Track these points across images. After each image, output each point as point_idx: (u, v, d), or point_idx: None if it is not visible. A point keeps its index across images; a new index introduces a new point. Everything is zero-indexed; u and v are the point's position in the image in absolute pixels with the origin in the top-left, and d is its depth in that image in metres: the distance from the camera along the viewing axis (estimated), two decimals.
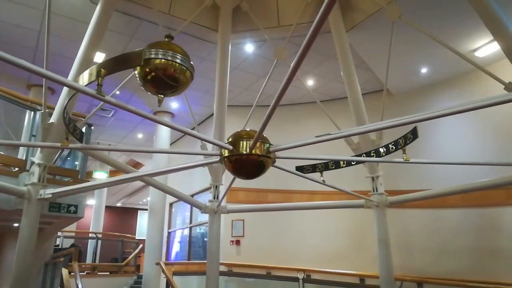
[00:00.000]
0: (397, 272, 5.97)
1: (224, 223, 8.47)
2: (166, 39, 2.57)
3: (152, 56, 2.38)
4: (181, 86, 2.52)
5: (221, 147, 2.87)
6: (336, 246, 8.50)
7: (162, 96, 2.54)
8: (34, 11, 6.28)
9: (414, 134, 3.54)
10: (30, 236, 4.48)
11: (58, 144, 3.64)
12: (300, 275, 8.05)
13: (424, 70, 7.72)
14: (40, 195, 4.58)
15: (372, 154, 4.18)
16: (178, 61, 2.41)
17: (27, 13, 6.34)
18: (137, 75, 2.46)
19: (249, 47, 7.55)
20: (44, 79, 4.18)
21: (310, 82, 8.77)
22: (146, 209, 12.61)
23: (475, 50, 6.88)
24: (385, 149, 3.87)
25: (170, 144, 11.53)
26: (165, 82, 2.44)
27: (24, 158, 5.74)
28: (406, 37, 6.20)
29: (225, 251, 8.39)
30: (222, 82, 6.32)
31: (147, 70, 2.40)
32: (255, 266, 8.55)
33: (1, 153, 5.89)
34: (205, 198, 6.75)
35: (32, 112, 6.17)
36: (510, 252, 6.40)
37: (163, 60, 2.40)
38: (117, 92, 6.42)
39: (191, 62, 2.52)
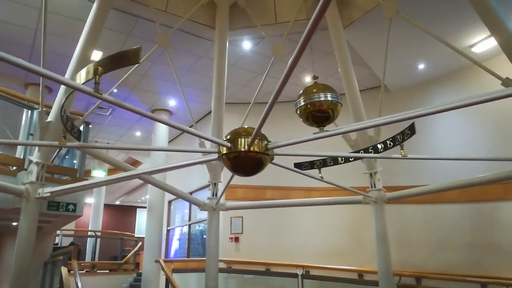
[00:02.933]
0: (395, 267, 6.00)
1: (223, 220, 8.49)
2: (314, 81, 3.21)
3: (310, 101, 2.93)
4: (334, 116, 2.99)
5: (219, 144, 2.88)
6: (335, 242, 8.53)
7: (323, 127, 3.01)
8: (31, 9, 6.25)
9: (411, 130, 3.55)
10: (29, 235, 4.48)
11: (56, 143, 3.63)
12: (299, 271, 8.08)
13: (421, 66, 7.73)
14: (39, 194, 4.58)
15: (370, 150, 4.20)
16: (329, 98, 2.94)
17: (23, 11, 6.31)
18: (299, 113, 3.03)
19: (246, 44, 7.54)
20: (41, 77, 4.17)
21: (307, 79, 8.76)
22: (145, 207, 12.62)
23: (472, 45, 6.89)
24: (383, 145, 3.88)
25: (168, 142, 11.52)
26: (322, 116, 2.96)
27: (22, 157, 5.73)
28: (403, 33, 6.20)
29: (224, 248, 8.41)
30: (220, 80, 6.32)
31: (308, 109, 2.94)
32: (254, 263, 8.57)
33: None
34: (204, 196, 6.77)
35: (30, 111, 6.15)
36: (508, 246, 6.44)
37: (319, 100, 2.93)
38: (115, 90, 6.42)
39: (339, 96, 3.02)
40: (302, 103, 2.98)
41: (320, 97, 2.95)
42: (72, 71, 4.86)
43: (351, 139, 6.04)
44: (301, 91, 3.10)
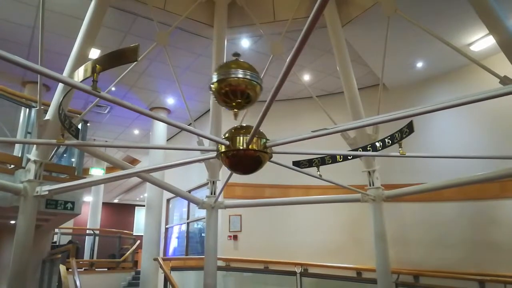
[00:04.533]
0: (393, 265, 6.01)
1: (222, 219, 8.50)
2: (234, 58, 2.87)
3: (225, 76, 2.66)
4: (252, 99, 2.79)
5: (217, 142, 2.88)
6: (333, 240, 8.55)
7: (237, 110, 2.83)
8: (28, 7, 6.22)
9: (410, 128, 3.55)
10: (27, 233, 4.48)
11: (54, 141, 3.62)
12: (298, 269, 8.09)
13: (419, 64, 7.73)
14: (37, 192, 4.58)
15: (368, 148, 4.20)
16: (248, 77, 2.67)
17: (20, 9, 6.29)
18: (212, 90, 2.74)
19: (245, 42, 7.53)
20: (39, 75, 4.16)
21: (306, 77, 8.76)
22: (143, 205, 12.61)
23: (470, 44, 6.90)
24: (381, 143, 3.89)
25: (167, 140, 11.52)
26: (238, 97, 2.72)
27: (20, 155, 5.71)
28: (401, 32, 6.21)
29: (223, 246, 8.42)
30: None
31: (222, 87, 2.68)
32: (252, 261, 8.58)
33: None
34: (202, 194, 6.76)
35: (27, 109, 6.12)
36: (505, 244, 6.47)
37: (235, 78, 2.66)
38: (113, 89, 6.40)
39: (260, 77, 2.77)
40: (215, 79, 2.70)
41: (237, 74, 2.67)
42: (70, 69, 4.85)
43: (349, 137, 6.05)
44: (218, 66, 2.83)
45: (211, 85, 2.74)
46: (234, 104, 2.80)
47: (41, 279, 6.98)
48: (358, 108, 6.04)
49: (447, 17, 6.19)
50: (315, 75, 8.71)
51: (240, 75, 2.67)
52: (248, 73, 2.69)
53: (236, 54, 2.91)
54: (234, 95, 2.71)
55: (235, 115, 2.88)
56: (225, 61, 6.30)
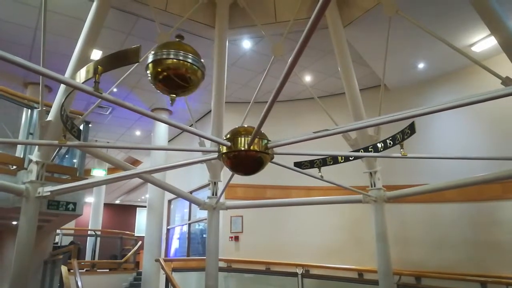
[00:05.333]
0: (395, 266, 6.00)
1: (223, 220, 8.50)
2: (177, 39, 2.61)
3: (164, 56, 2.42)
4: (192, 86, 2.56)
5: (219, 143, 2.88)
6: (335, 241, 8.54)
7: (174, 95, 2.58)
8: (30, 8, 6.24)
9: (411, 129, 3.55)
10: (29, 234, 4.49)
11: (56, 142, 3.63)
12: (299, 270, 8.08)
13: (421, 65, 7.73)
14: (39, 193, 4.59)
15: (370, 149, 4.19)
16: (189, 60, 2.45)
17: (23, 10, 6.31)
18: (148, 75, 2.49)
19: (246, 43, 7.54)
20: (41, 76, 4.17)
21: (307, 78, 8.77)
22: (145, 206, 12.63)
23: (472, 44, 6.89)
24: (382, 144, 3.88)
25: (168, 141, 11.52)
26: (177, 82, 2.47)
27: (22, 156, 5.73)
28: (403, 33, 6.21)
29: (224, 247, 8.41)
30: (220, 79, 6.32)
31: (159, 70, 2.45)
32: (254, 262, 8.58)
33: None
34: (204, 195, 6.77)
35: (29, 110, 6.15)
36: (507, 245, 6.45)
37: (174, 60, 2.43)
38: (115, 90, 6.42)
39: (202, 61, 2.54)
40: (151, 59, 2.46)
41: (178, 56, 2.43)
42: (72, 70, 4.86)
43: (351, 138, 6.04)
44: (156, 45, 2.57)
45: (147, 66, 2.51)
46: (170, 88, 2.56)
47: (42, 280, 7.00)
48: (359, 109, 6.04)
49: (449, 18, 6.18)
50: (317, 76, 8.71)
51: (181, 57, 2.46)
52: (190, 56, 2.47)
53: (179, 36, 2.72)
54: (172, 79, 2.48)
55: (172, 101, 2.64)
56: (226, 62, 6.36)
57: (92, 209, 17.58)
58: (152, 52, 2.48)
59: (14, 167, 5.61)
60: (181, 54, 2.43)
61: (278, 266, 8.43)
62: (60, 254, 6.97)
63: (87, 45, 5.04)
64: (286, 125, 9.16)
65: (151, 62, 2.47)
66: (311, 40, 1.73)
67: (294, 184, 8.89)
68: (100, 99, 2.92)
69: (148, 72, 2.50)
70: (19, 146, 5.93)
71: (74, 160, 7.05)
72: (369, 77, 8.43)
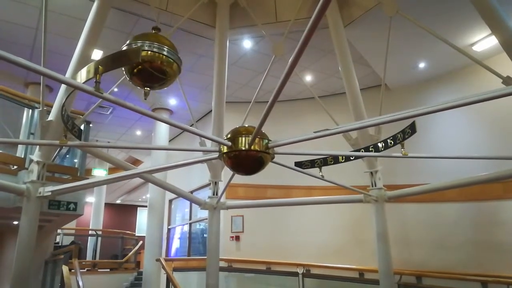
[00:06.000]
0: (396, 266, 6.00)
1: (224, 219, 8.49)
2: (153, 31, 2.56)
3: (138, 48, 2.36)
4: (168, 79, 2.52)
5: (220, 143, 2.88)
6: (335, 241, 8.53)
7: (148, 89, 2.54)
8: (31, 8, 6.25)
9: (412, 129, 3.54)
10: (30, 234, 4.49)
11: (57, 142, 3.63)
12: (300, 270, 8.08)
13: (422, 65, 7.72)
14: (40, 193, 4.59)
15: (370, 149, 4.19)
16: (165, 53, 2.40)
17: (24, 10, 6.31)
18: (123, 68, 2.45)
19: (247, 43, 7.54)
20: (41, 76, 4.17)
21: (308, 78, 8.76)
22: (146, 206, 12.63)
23: (473, 44, 6.88)
24: (383, 144, 3.88)
25: (169, 141, 11.52)
26: (152, 74, 2.42)
27: (22, 156, 5.74)
28: (403, 32, 6.20)
29: (225, 247, 8.41)
30: (220, 79, 6.31)
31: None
32: (254, 262, 8.58)
33: (0, 151, 5.88)
34: (205, 195, 6.77)
35: (30, 110, 6.15)
36: (508, 245, 6.44)
37: (149, 52, 2.38)
38: (115, 89, 6.42)
39: (178, 55, 2.51)
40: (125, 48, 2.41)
41: (153, 48, 2.36)
42: (73, 70, 4.86)
43: (351, 138, 6.04)
44: (133, 37, 2.51)
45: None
46: (144, 80, 2.53)
47: (43, 280, 7.01)
48: (360, 109, 6.04)
49: (449, 17, 6.18)
50: (317, 76, 8.71)
51: (156, 49, 2.42)
52: (165, 49, 2.43)
53: (156, 28, 2.68)
54: (147, 71, 2.45)
55: (146, 95, 2.62)
56: (227, 62, 6.37)
57: (93, 209, 17.59)
58: (127, 43, 2.43)
59: (15, 167, 5.62)
60: (156, 46, 2.37)
61: (279, 266, 8.43)
62: (61, 254, 6.98)
63: (87, 45, 5.04)
64: (287, 125, 9.16)
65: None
66: (311, 40, 1.73)
67: (295, 183, 8.89)
68: (100, 99, 2.92)
69: None
70: (20, 146, 5.93)
71: (75, 160, 7.06)
72: (370, 76, 8.42)
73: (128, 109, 2.64)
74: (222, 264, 7.98)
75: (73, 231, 14.25)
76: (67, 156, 7.21)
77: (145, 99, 2.66)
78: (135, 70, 2.44)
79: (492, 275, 6.27)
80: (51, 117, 4.78)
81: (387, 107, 5.18)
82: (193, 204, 10.54)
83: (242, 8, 6.39)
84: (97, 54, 7.19)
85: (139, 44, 2.37)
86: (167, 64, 2.45)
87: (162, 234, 10.61)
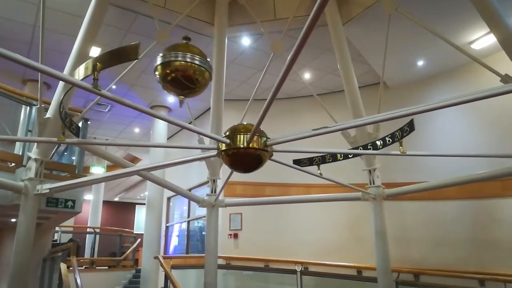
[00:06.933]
0: (394, 264, 6.01)
1: (222, 217, 8.51)
2: (184, 41, 2.67)
3: (172, 58, 2.48)
4: (200, 87, 2.61)
5: (218, 141, 2.88)
6: (334, 238, 8.55)
7: (183, 97, 2.64)
8: (29, 5, 6.22)
9: (410, 127, 3.55)
10: (27, 231, 4.48)
11: (55, 139, 3.63)
12: (298, 268, 8.10)
13: (420, 63, 7.72)
14: (37, 190, 4.58)
15: (369, 147, 4.19)
16: (196, 62, 2.49)
17: (21, 7, 6.28)
18: (157, 76, 2.55)
19: (245, 41, 7.52)
20: (39, 73, 4.15)
21: (307, 76, 8.76)
22: (144, 204, 12.63)
23: (471, 42, 6.89)
24: (382, 142, 3.88)
25: (167, 138, 11.52)
26: (184, 83, 2.54)
27: (20, 154, 5.71)
28: (402, 30, 6.19)
29: (223, 244, 8.42)
30: (219, 76, 6.30)
31: (167, 71, 2.51)
32: (253, 259, 8.59)
33: None
34: (203, 192, 6.76)
35: (28, 107, 6.12)
36: (506, 243, 6.47)
37: (182, 62, 2.48)
38: (113, 87, 6.39)
39: (209, 61, 2.57)
40: (159, 61, 2.53)
41: (185, 58, 2.49)
42: (71, 67, 4.84)
43: (350, 136, 6.04)
44: (164, 48, 2.62)
45: (156, 68, 2.58)
46: (178, 89, 2.63)
47: (41, 277, 7.00)
48: (358, 107, 6.04)
49: (448, 15, 6.18)
50: (316, 74, 8.70)
51: (188, 59, 2.52)
52: (197, 58, 2.54)
53: (186, 38, 2.77)
54: (180, 80, 2.56)
55: (181, 103, 2.72)
56: (225, 59, 6.35)
57: (91, 207, 17.58)
58: (161, 54, 2.51)
59: (13, 164, 5.60)
60: (189, 56, 2.48)
61: (277, 264, 8.45)
62: (59, 252, 6.96)
63: (86, 42, 5.02)
64: (285, 122, 9.16)
65: (160, 64, 2.51)
66: (310, 38, 1.72)
67: (293, 181, 8.90)
68: (99, 96, 2.91)
69: (157, 73, 2.54)
70: (17, 143, 5.91)
71: (73, 158, 7.04)
72: (369, 74, 8.43)
73: (126, 107, 2.63)
74: (221, 261, 8.00)
75: (71, 229, 14.21)
76: (65, 153, 7.19)
77: (180, 106, 2.79)
78: (168, 78, 2.53)
79: (490, 273, 6.30)
80: (49, 114, 4.76)
81: (386, 105, 5.17)
82: (192, 202, 10.54)
83: (241, 6, 6.37)
84: (95, 51, 7.17)
85: (172, 55, 2.49)
86: (199, 73, 2.53)
87: (160, 232, 10.62)
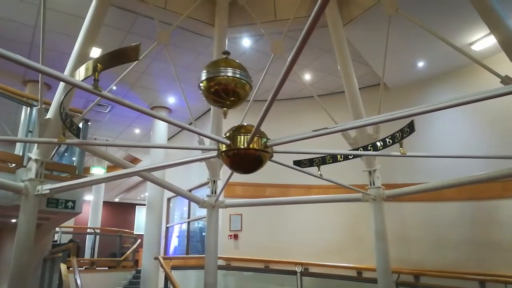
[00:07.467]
0: (394, 264, 6.01)
1: (222, 218, 8.50)
2: (223, 56, 2.86)
3: (216, 74, 2.67)
4: (241, 98, 2.76)
5: (218, 141, 2.88)
6: (334, 239, 8.54)
7: (226, 109, 2.81)
8: (29, 6, 6.22)
9: (410, 128, 3.55)
10: (28, 232, 4.48)
11: (55, 140, 3.63)
12: (298, 269, 8.09)
13: (421, 64, 7.72)
14: (38, 191, 4.58)
15: (369, 148, 4.19)
16: (238, 76, 2.68)
17: (22, 8, 6.29)
18: (201, 88, 2.73)
19: (246, 42, 7.53)
20: (40, 74, 4.16)
21: (307, 77, 8.76)
22: (144, 204, 12.63)
23: (471, 43, 6.89)
24: (382, 143, 3.88)
25: (168, 139, 11.52)
26: (224, 97, 2.73)
27: (21, 154, 5.71)
28: (403, 31, 6.20)
29: (223, 245, 8.41)
30: None
31: (211, 84, 2.68)
32: (253, 260, 8.59)
33: None
34: (203, 193, 6.76)
35: (29, 108, 6.13)
36: (506, 244, 6.46)
37: (225, 76, 2.66)
38: (114, 88, 6.41)
39: (249, 74, 2.76)
40: (204, 77, 2.72)
41: (227, 73, 2.68)
42: (71, 68, 4.85)
43: (350, 137, 6.04)
44: (207, 64, 2.84)
45: (200, 83, 2.75)
46: (223, 102, 2.80)
47: (42, 278, 6.99)
48: (359, 108, 6.04)
49: (448, 17, 6.18)
50: (316, 75, 8.71)
51: (230, 74, 2.68)
52: (238, 72, 2.70)
53: (226, 53, 2.90)
54: (223, 93, 2.72)
55: (225, 114, 2.88)
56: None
57: (91, 207, 17.57)
58: (205, 71, 2.71)
59: (13, 165, 5.60)
60: (230, 70, 2.68)
61: (277, 264, 8.44)
62: (59, 252, 6.96)
63: (86, 42, 5.03)
64: (286, 123, 9.15)
65: (205, 80, 2.71)
66: (310, 39, 1.72)
67: (293, 182, 8.90)
68: (99, 97, 2.92)
69: (202, 86, 2.74)
70: (18, 144, 5.92)
71: (73, 158, 7.04)
72: (369, 75, 8.43)
73: (126, 107, 2.63)
74: (221, 262, 7.99)
75: (71, 229, 14.21)
76: (66, 154, 7.19)
77: (225, 118, 2.93)
78: (212, 90, 2.71)
79: (490, 274, 6.29)
80: (49, 115, 4.77)
81: (386, 106, 5.18)
82: (192, 203, 10.54)
83: (241, 7, 6.38)
84: (95, 52, 7.18)
85: (215, 70, 2.69)
86: (240, 86, 2.70)
87: (160, 233, 10.62)
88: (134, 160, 15.93)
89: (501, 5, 4.20)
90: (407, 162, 7.60)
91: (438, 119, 7.61)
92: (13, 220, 6.22)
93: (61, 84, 4.80)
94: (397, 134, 3.66)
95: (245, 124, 2.94)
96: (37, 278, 6.94)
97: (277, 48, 6.16)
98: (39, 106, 4.59)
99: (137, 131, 12.85)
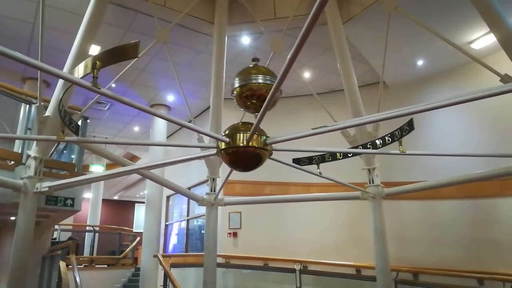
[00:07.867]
0: (393, 263, 6.03)
1: (221, 216, 8.51)
2: (253, 62, 3.07)
3: (247, 81, 2.87)
4: (272, 103, 2.80)
5: (218, 139, 2.88)
6: (333, 237, 8.56)
7: (257, 113, 2.83)
8: (28, 2, 6.21)
9: (410, 126, 3.54)
10: (27, 229, 4.48)
11: (54, 137, 3.63)
12: (297, 266, 8.11)
13: (420, 62, 7.72)
14: (37, 188, 4.58)
15: (368, 146, 4.19)
16: (268, 82, 2.84)
17: (21, 4, 6.27)
18: (234, 94, 2.98)
19: (245, 40, 7.51)
20: (39, 72, 4.15)
21: (306, 75, 8.75)
22: (143, 202, 12.64)
23: (471, 42, 6.88)
24: (381, 141, 3.88)
25: (167, 137, 11.51)
26: (258, 101, 2.89)
27: (20, 152, 5.71)
28: (402, 30, 6.19)
29: (222, 243, 8.43)
30: (219, 75, 6.30)
31: (243, 90, 2.90)
32: (252, 258, 8.60)
33: None
34: (202, 191, 6.77)
35: (27, 105, 6.12)
36: (505, 242, 6.47)
37: (256, 83, 2.85)
38: (113, 85, 6.39)
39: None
40: (237, 85, 2.92)
41: (257, 80, 2.84)
42: (70, 65, 4.84)
43: (349, 135, 6.05)
44: (239, 72, 3.01)
45: (234, 91, 2.96)
46: (254, 107, 2.97)
47: (41, 275, 7.01)
48: (358, 106, 6.04)
49: (448, 15, 6.17)
50: (316, 73, 8.70)
51: (260, 80, 2.85)
52: (268, 78, 2.87)
53: (256, 59, 3.10)
54: (255, 99, 2.91)
55: (256, 118, 2.95)
56: (225, 58, 6.35)
57: (90, 205, 17.58)
58: (237, 79, 2.94)
59: (12, 162, 5.60)
60: (260, 77, 2.86)
61: (276, 262, 8.45)
62: (58, 250, 6.97)
63: (85, 40, 5.02)
64: (285, 121, 9.13)
65: (238, 87, 2.94)
66: (310, 37, 1.72)
67: (292, 180, 8.90)
68: (98, 95, 2.91)
69: (235, 94, 2.98)
70: (17, 141, 5.91)
71: (72, 156, 7.04)
72: (368, 74, 8.42)
73: (126, 105, 2.63)
74: (220, 260, 8.00)
75: (70, 227, 14.23)
76: (65, 151, 7.19)
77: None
78: (244, 95, 2.91)
79: (489, 272, 6.31)
80: (48, 112, 4.76)
81: (385, 104, 5.18)
82: (191, 201, 10.55)
83: (241, 4, 6.37)
84: (94, 49, 7.16)
85: (247, 78, 2.90)
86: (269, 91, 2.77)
87: (159, 230, 10.62)
88: (133, 158, 15.93)
89: (501, 3, 4.20)
90: (406, 160, 7.61)
91: (437, 117, 7.62)
92: (12, 218, 6.22)
93: (60, 81, 4.79)
94: (397, 132, 3.66)
95: (245, 121, 2.95)
96: (36, 275, 6.94)
97: (276, 46, 6.16)
98: (38, 104, 4.59)
99: (136, 128, 12.84)
